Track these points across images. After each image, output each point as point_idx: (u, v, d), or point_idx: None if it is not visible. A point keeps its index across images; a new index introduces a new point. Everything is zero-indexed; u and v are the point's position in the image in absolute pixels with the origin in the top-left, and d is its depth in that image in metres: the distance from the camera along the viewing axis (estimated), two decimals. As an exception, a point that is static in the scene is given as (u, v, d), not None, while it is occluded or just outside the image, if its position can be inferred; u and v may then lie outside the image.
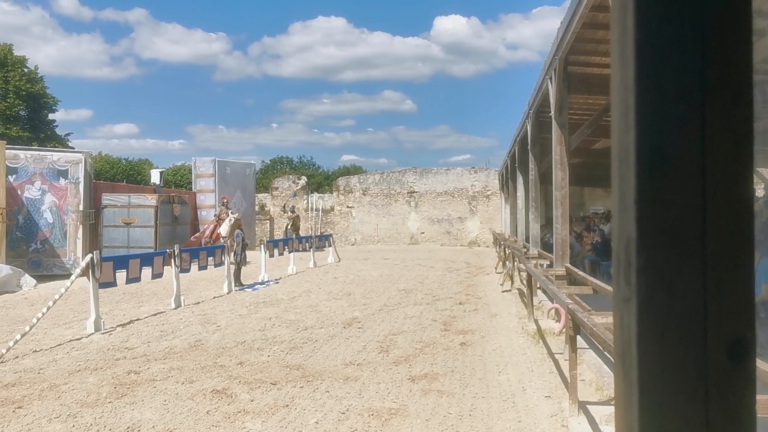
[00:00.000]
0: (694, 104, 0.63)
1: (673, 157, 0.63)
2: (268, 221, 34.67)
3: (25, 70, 43.39)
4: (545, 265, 12.61)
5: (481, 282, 16.28)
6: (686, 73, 0.63)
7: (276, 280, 16.44)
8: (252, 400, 5.91)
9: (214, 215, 20.36)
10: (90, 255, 9.79)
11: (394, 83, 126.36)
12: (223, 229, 17.58)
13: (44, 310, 8.79)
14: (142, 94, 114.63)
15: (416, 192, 34.89)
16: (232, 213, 18.33)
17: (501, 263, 18.17)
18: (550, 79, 11.07)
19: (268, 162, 64.06)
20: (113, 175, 46.41)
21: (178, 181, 47.73)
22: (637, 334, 0.64)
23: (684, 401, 0.64)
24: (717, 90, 0.63)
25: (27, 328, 8.37)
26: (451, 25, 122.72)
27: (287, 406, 5.75)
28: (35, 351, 8.07)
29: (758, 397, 3.32)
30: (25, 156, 18.36)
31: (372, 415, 5.47)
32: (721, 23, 0.62)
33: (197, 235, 19.32)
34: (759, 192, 13.16)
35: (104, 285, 9.94)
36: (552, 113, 11.09)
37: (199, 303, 12.24)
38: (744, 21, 0.63)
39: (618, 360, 0.69)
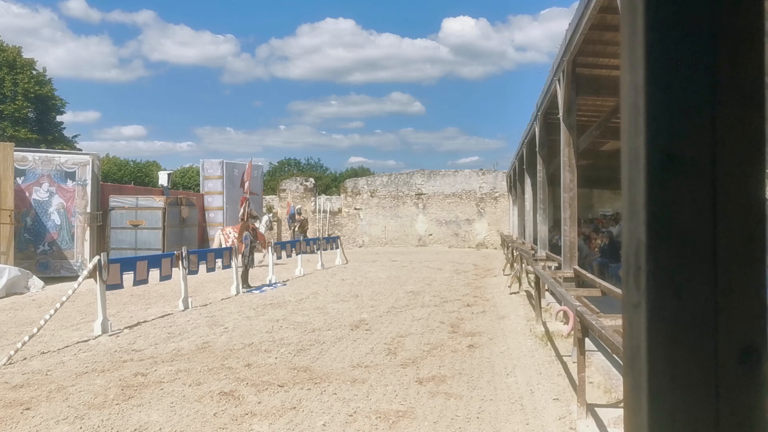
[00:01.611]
0: (705, 107, 0.62)
1: (684, 160, 0.62)
2: (275, 223, 34.72)
3: (34, 72, 43.66)
4: (553, 267, 12.57)
5: (489, 284, 16.25)
6: (697, 76, 0.62)
7: (284, 282, 16.46)
8: (259, 402, 5.91)
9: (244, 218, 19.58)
10: (97, 257, 9.82)
11: (403, 85, 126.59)
12: (261, 228, 19.62)
13: (52, 311, 8.83)
14: (150, 96, 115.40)
15: (424, 194, 34.87)
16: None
17: (509, 265, 18.12)
18: (559, 80, 11.04)
19: (276, 164, 64.25)
20: (121, 177, 46.63)
21: (186, 183, 47.91)
22: (647, 339, 0.63)
23: (694, 407, 0.63)
24: (728, 92, 0.62)
25: (35, 330, 8.41)
26: (459, 27, 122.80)
27: (295, 408, 5.75)
28: (43, 353, 8.10)
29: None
30: (33, 158, 18.45)
31: (379, 417, 5.46)
32: (732, 25, 0.62)
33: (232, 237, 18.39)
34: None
35: (111, 287, 9.96)
36: (560, 115, 11.06)
37: (206, 305, 12.26)
38: (755, 23, 0.62)
39: (627, 365, 0.68)
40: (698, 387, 0.63)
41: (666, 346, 0.63)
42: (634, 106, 0.65)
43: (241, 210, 18.12)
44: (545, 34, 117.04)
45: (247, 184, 17.12)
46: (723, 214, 0.62)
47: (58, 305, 8.98)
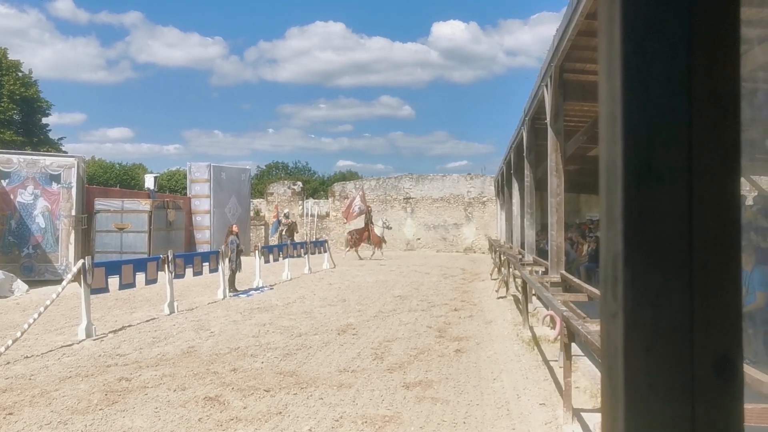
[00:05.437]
0: (681, 116, 0.62)
1: (660, 169, 0.62)
2: (263, 227, 34.61)
3: (19, 74, 43.29)
4: (540, 272, 12.61)
5: (476, 288, 16.27)
6: (673, 85, 0.62)
7: (271, 286, 16.41)
8: (245, 408, 5.88)
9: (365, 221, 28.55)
10: (82, 260, 9.75)
11: (392, 89, 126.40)
12: (378, 230, 27.74)
13: (36, 315, 8.75)
14: (137, 98, 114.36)
15: (412, 198, 34.91)
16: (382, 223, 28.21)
17: (496, 270, 18.15)
18: (546, 86, 11.08)
19: (264, 167, 64.01)
20: (107, 179, 46.28)
21: (173, 186, 47.64)
22: (624, 348, 0.63)
23: (670, 417, 0.62)
24: (704, 102, 0.62)
25: (18, 334, 8.33)
26: (450, 31, 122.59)
27: (280, 413, 5.72)
28: (26, 357, 8.02)
29: (754, 406, 3.30)
30: (18, 160, 18.30)
31: (366, 422, 5.44)
32: (709, 35, 0.61)
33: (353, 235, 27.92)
34: (750, 201, 13.20)
35: (96, 291, 9.89)
36: (548, 120, 11.11)
37: (192, 309, 12.19)
38: (731, 33, 0.62)
39: (605, 374, 0.68)
40: (675, 397, 0.62)
41: (643, 355, 0.63)
42: (612, 115, 0.64)
43: (363, 213, 28.15)
44: (535, 39, 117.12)
45: (362, 205, 28.34)
46: (699, 224, 0.62)
47: (42, 309, 8.90)
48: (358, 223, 29.14)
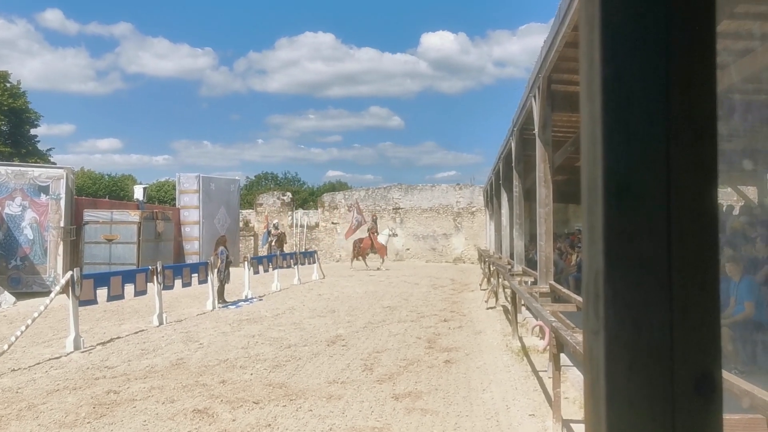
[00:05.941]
0: (660, 137, 0.63)
1: (640, 189, 0.64)
2: (252, 237, 34.52)
3: (8, 85, 43.11)
4: (530, 282, 12.64)
5: (465, 299, 16.28)
6: (651, 107, 0.63)
7: (260, 297, 16.35)
8: (234, 420, 5.85)
9: (368, 229, 28.54)
10: (70, 272, 9.69)
11: (382, 99, 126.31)
12: (383, 239, 27.76)
13: (23, 328, 8.68)
14: (126, 109, 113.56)
15: (401, 208, 34.94)
16: (390, 230, 29.00)
17: (486, 280, 18.18)
18: (534, 96, 11.15)
19: (253, 178, 63.94)
20: (95, 191, 46.09)
21: (162, 197, 47.50)
22: (605, 365, 0.64)
23: (652, 434, 0.63)
24: (681, 123, 0.63)
25: (5, 347, 8.26)
26: (438, 41, 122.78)
27: (270, 425, 5.70)
28: (13, 370, 7.95)
29: (742, 416, 3.33)
30: (5, 172, 18.20)
31: (355, 434, 5.43)
32: (686, 57, 0.63)
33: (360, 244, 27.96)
34: (737, 211, 13.30)
35: (84, 303, 9.83)
36: (536, 131, 11.17)
37: (181, 320, 12.13)
38: (707, 59, 0.63)
39: (587, 390, 0.69)
40: (655, 412, 0.63)
41: (624, 373, 0.64)
42: (592, 136, 0.66)
43: (362, 224, 28.97)
44: (524, 49, 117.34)
45: (360, 216, 29.30)
46: (678, 242, 0.63)
47: (29, 321, 8.84)
48: (360, 234, 29.21)
